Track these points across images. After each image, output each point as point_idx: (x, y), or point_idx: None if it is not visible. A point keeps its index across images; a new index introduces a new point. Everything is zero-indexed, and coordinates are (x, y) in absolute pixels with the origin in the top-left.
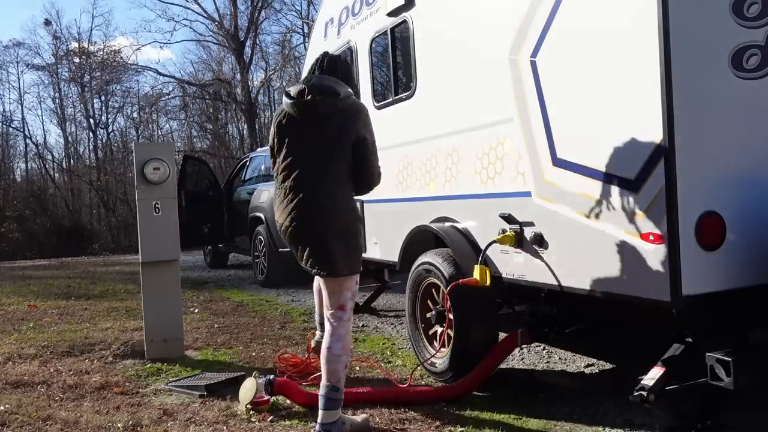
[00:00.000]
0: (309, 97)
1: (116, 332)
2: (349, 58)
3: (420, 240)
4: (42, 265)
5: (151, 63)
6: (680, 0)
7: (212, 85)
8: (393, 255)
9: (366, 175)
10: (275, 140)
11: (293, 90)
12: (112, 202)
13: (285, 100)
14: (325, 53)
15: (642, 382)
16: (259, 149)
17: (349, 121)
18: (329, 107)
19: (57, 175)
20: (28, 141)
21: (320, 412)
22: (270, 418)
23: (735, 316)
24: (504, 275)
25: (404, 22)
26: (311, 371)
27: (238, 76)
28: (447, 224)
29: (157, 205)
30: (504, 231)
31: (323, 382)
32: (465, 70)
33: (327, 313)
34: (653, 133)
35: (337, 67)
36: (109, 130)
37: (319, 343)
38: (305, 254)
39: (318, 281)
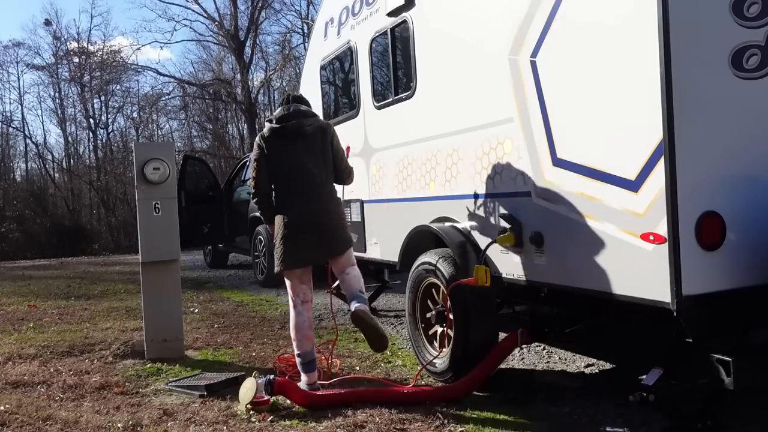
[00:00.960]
0: (293, 122)
1: (116, 332)
2: (349, 58)
3: (420, 240)
4: (42, 265)
5: (151, 63)
6: (680, 0)
7: (212, 85)
8: (393, 255)
9: (338, 173)
10: (266, 158)
11: (275, 117)
12: (112, 202)
13: (270, 126)
14: (288, 94)
15: (642, 382)
16: None
17: (325, 134)
18: (311, 124)
19: (57, 175)
20: (28, 141)
21: (355, 304)
22: (270, 418)
23: (735, 316)
24: (504, 275)
25: (404, 22)
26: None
27: (238, 76)
28: (447, 224)
29: (157, 205)
30: (504, 231)
31: (354, 292)
32: (465, 70)
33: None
34: (653, 133)
35: (302, 99)
36: (109, 130)
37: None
38: (314, 244)
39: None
